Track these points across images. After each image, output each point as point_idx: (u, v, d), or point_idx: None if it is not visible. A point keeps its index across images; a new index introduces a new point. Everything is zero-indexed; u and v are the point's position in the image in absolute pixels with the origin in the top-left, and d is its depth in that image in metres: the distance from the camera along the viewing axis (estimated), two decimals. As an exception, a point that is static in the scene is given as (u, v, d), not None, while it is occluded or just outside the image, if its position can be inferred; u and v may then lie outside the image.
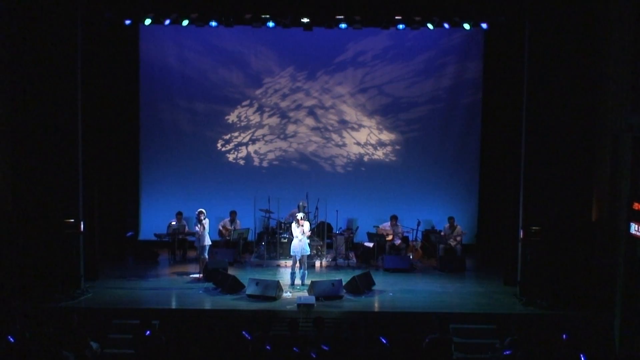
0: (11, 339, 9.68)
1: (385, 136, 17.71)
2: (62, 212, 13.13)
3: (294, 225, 14.04)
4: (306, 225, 14.00)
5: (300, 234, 13.88)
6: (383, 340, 10.02)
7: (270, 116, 17.68)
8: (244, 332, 10.21)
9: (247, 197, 16.61)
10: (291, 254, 14.13)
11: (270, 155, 17.78)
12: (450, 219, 16.41)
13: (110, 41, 15.50)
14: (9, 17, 12.94)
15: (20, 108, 13.08)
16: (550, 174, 13.10)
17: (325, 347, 9.73)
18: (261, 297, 12.93)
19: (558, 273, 12.91)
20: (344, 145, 17.76)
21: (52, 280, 12.87)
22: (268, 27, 14.53)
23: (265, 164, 17.80)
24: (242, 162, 17.78)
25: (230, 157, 17.77)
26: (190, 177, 17.52)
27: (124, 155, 16.99)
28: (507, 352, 10.12)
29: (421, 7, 13.98)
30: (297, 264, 14.10)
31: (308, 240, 14.23)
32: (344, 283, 13.42)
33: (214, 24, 14.38)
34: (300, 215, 14.14)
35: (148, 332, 10.17)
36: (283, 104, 17.62)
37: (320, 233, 16.18)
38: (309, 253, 14.27)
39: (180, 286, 14.01)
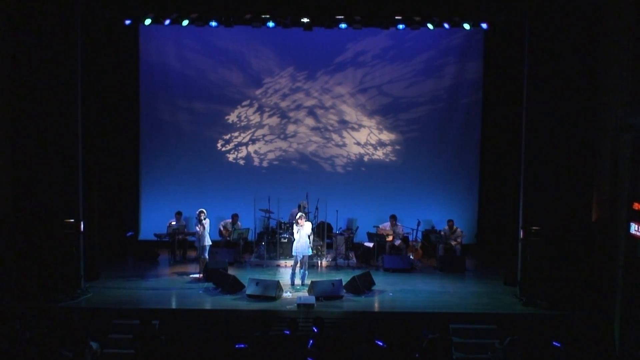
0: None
1: (385, 136, 17.72)
2: (62, 212, 13.13)
3: (294, 225, 14.04)
4: (307, 226, 13.98)
5: (296, 234, 13.86)
6: (379, 343, 10.01)
7: (270, 116, 17.69)
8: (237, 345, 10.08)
9: (247, 197, 16.61)
10: (293, 254, 14.14)
11: (270, 155, 17.78)
12: (450, 222, 16.42)
13: (110, 41, 15.49)
14: (9, 17, 12.94)
15: (20, 108, 13.07)
16: (550, 174, 13.10)
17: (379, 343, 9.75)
18: (261, 297, 12.92)
19: (558, 273, 12.91)
20: (344, 145, 17.76)
21: (52, 280, 12.86)
22: (268, 27, 14.53)
23: (265, 164, 17.80)
24: (242, 162, 17.78)
25: (230, 157, 17.77)
26: (190, 177, 17.52)
27: (124, 155, 16.98)
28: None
29: (421, 7, 13.98)
30: (298, 265, 14.09)
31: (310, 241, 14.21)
32: (344, 283, 13.42)
33: (214, 24, 14.38)
34: (299, 214, 14.14)
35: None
36: (283, 104, 17.62)
37: (320, 233, 16.17)
38: (310, 253, 14.25)
39: (180, 286, 14.01)
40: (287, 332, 10.31)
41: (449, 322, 11.94)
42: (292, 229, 14.23)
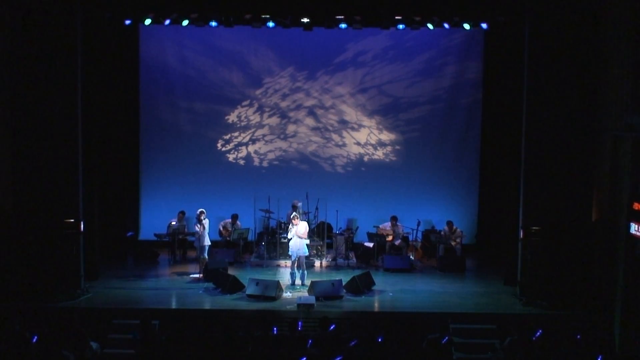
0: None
1: (385, 136, 17.71)
2: (62, 212, 13.13)
3: (290, 225, 14.05)
4: (301, 226, 13.95)
5: (291, 234, 13.87)
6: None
7: (270, 116, 17.68)
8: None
9: (247, 197, 16.60)
10: (289, 253, 14.15)
11: (270, 155, 17.77)
12: (449, 223, 16.40)
13: (110, 41, 15.50)
14: (9, 17, 12.94)
15: (20, 108, 13.08)
16: (550, 174, 13.10)
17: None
18: (261, 297, 12.92)
19: (558, 273, 12.91)
20: (344, 145, 17.75)
21: (52, 280, 12.87)
22: (268, 27, 14.51)
23: (265, 164, 17.80)
24: (242, 162, 17.78)
25: (230, 157, 17.76)
26: (190, 177, 17.51)
27: (124, 155, 16.99)
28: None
29: (421, 7, 13.96)
30: (296, 264, 14.08)
31: (307, 241, 14.19)
32: (344, 283, 13.42)
33: (214, 24, 14.36)
34: (293, 213, 14.14)
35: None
36: (283, 104, 17.61)
37: (320, 233, 16.17)
38: (306, 254, 14.21)
39: (180, 286, 14.01)
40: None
41: (449, 322, 11.94)
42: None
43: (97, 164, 14.53)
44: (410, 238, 16.50)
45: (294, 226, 13.87)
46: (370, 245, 16.17)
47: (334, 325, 10.51)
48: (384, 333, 10.50)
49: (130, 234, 17.03)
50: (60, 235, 13.10)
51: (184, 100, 17.44)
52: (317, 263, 15.78)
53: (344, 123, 17.69)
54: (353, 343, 10.06)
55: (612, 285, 12.02)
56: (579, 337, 10.57)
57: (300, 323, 11.27)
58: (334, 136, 17.74)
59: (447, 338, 10.62)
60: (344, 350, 9.80)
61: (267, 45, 17.30)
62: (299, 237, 13.83)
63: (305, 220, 15.02)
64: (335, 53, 17.41)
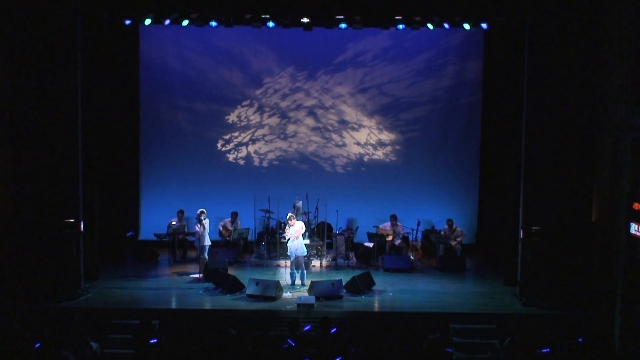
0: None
1: (385, 136, 17.71)
2: (62, 212, 13.14)
3: (287, 226, 14.06)
4: (296, 226, 13.94)
5: (288, 235, 13.87)
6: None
7: (270, 116, 17.68)
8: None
9: (247, 197, 16.60)
10: (287, 253, 14.14)
11: (270, 155, 17.77)
12: (449, 221, 16.41)
13: (110, 41, 15.50)
14: (9, 17, 12.94)
15: (20, 108, 13.08)
16: (550, 174, 13.11)
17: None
18: (261, 297, 12.93)
19: (558, 273, 12.91)
20: (344, 145, 17.75)
21: (52, 280, 12.87)
22: (268, 27, 14.49)
23: (265, 164, 17.80)
24: (242, 162, 17.78)
25: (230, 157, 17.76)
26: (190, 177, 17.52)
27: (124, 155, 16.98)
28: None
29: (421, 7, 13.94)
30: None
31: (307, 241, 14.17)
32: (344, 283, 13.42)
33: (214, 24, 14.34)
34: (289, 214, 14.16)
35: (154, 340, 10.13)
36: (283, 104, 17.61)
37: (320, 233, 16.17)
38: (304, 254, 14.19)
39: (180, 286, 14.02)
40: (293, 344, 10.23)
41: (449, 322, 11.93)
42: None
43: (97, 164, 14.52)
44: (410, 238, 16.49)
45: (290, 227, 13.88)
46: (370, 245, 16.17)
47: (335, 329, 10.47)
48: (385, 333, 10.48)
49: (130, 234, 17.03)
50: (60, 235, 13.10)
51: (184, 100, 17.44)
52: (315, 263, 15.73)
53: (344, 123, 17.69)
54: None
55: (612, 286, 12.02)
56: (580, 340, 10.53)
57: (309, 327, 11.23)
58: (334, 136, 17.74)
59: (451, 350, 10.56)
60: (344, 352, 9.80)
61: (267, 45, 17.30)
62: (294, 237, 13.82)
63: (304, 221, 15.01)
64: (335, 53, 17.41)
